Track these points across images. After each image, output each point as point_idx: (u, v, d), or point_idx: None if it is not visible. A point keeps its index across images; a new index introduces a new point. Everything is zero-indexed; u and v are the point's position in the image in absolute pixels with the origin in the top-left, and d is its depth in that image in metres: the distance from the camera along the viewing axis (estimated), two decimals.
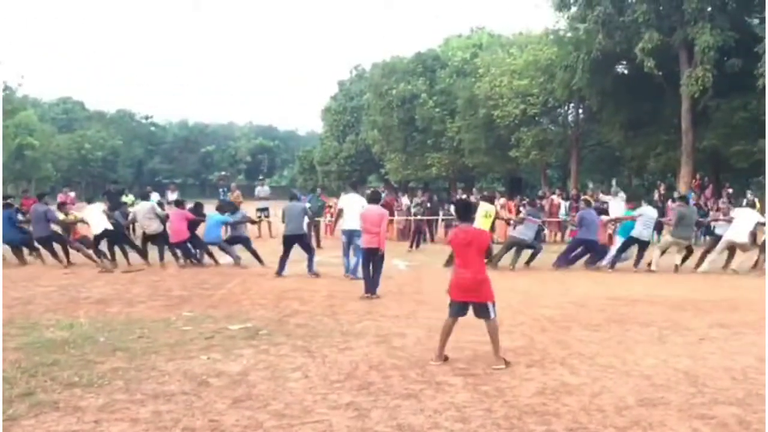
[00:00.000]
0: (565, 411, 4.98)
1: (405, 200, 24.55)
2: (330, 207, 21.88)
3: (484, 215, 13.74)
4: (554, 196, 23.69)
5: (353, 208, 12.16)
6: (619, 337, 7.52)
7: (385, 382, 5.68)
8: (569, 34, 30.26)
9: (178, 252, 14.02)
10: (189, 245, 14.16)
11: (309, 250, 12.88)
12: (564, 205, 22.80)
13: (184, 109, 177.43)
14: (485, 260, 6.58)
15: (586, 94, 29.86)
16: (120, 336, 7.28)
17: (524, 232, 14.24)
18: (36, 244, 14.00)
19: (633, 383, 5.68)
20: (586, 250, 14.13)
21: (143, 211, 14.14)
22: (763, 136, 23.94)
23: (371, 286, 10.27)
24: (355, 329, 7.85)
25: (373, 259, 10.35)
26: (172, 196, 21.43)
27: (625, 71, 30.25)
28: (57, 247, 13.92)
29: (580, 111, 35.13)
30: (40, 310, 8.83)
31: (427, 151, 41.70)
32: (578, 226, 14.54)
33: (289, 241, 12.74)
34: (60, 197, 21.60)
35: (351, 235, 12.22)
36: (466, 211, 7.00)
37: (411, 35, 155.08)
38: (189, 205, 15.50)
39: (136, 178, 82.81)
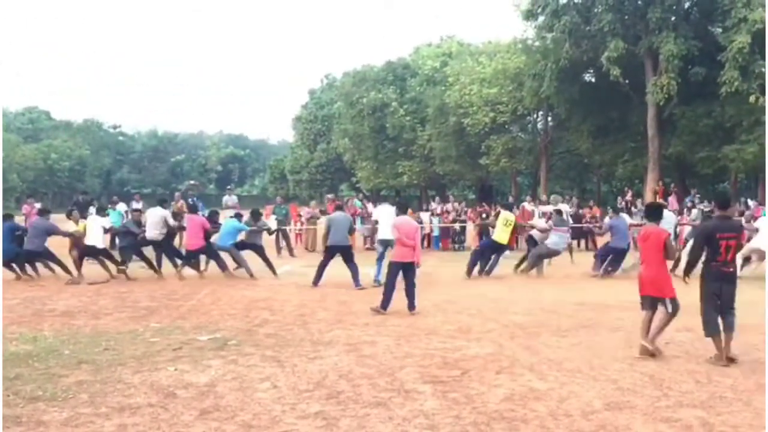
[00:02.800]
0: (533, 417, 5.01)
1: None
2: (300, 216, 21.81)
3: (504, 223, 13.80)
4: (526, 204, 23.81)
5: (388, 220, 12.21)
6: (587, 343, 7.59)
7: (354, 390, 5.67)
8: (537, 43, 30.70)
9: (178, 261, 13.64)
10: (202, 254, 13.75)
11: (353, 263, 12.65)
12: (536, 212, 22.93)
13: (153, 119, 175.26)
14: (668, 259, 7.19)
15: (555, 102, 30.29)
16: (85, 348, 7.17)
17: (557, 242, 14.15)
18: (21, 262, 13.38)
19: (600, 388, 5.74)
20: (615, 259, 13.93)
21: (155, 218, 13.75)
22: (727, 143, 24.47)
23: (409, 300, 9.67)
24: (325, 338, 7.82)
25: (407, 273, 9.73)
26: (138, 206, 21.20)
27: (592, 79, 30.76)
28: (52, 264, 13.48)
29: (549, 119, 35.57)
30: (3, 323, 8.65)
31: (398, 160, 41.85)
32: (610, 234, 14.30)
33: (333, 252, 12.63)
34: (25, 208, 21.22)
35: (387, 245, 12.36)
36: (655, 213, 7.50)
37: (381, 44, 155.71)
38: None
39: (104, 188, 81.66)
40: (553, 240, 14.16)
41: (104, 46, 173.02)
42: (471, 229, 21.72)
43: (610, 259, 13.90)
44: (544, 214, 17.72)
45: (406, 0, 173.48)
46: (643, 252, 7.22)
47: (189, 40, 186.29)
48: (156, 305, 10.21)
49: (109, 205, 21.71)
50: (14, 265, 13.26)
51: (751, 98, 22.44)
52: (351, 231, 13.68)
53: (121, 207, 21.51)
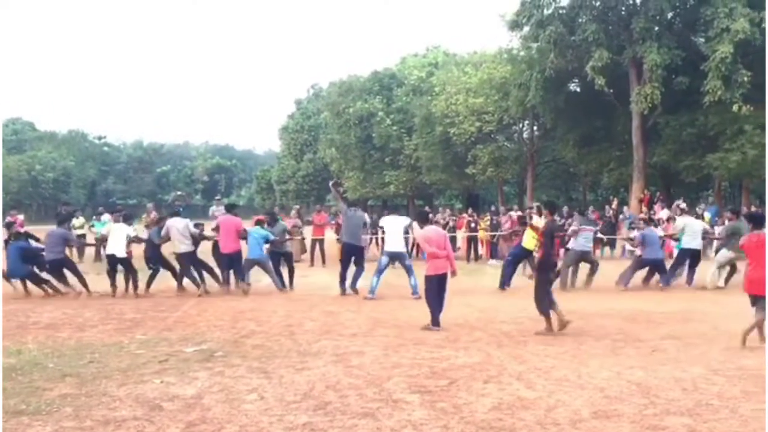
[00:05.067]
0: (521, 425, 5.00)
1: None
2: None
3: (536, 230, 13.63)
4: (512, 212, 23.86)
5: (397, 230, 12.29)
6: (573, 351, 7.60)
7: (341, 401, 5.64)
8: (522, 53, 30.93)
9: (196, 276, 13.02)
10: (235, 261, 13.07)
11: (361, 265, 12.72)
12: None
13: (138, 129, 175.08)
14: None
15: (540, 111, 30.51)
16: (70, 361, 7.10)
17: (584, 244, 13.73)
18: (44, 275, 13.08)
19: (587, 396, 5.75)
20: (653, 270, 13.73)
21: (178, 228, 13.04)
22: (711, 152, 24.69)
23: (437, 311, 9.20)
24: (313, 349, 7.79)
25: (442, 286, 9.24)
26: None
27: (578, 89, 30.97)
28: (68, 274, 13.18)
29: (535, 128, 35.76)
30: None
31: (384, 169, 41.90)
32: (641, 246, 13.91)
33: (348, 250, 12.67)
34: (7, 219, 21.06)
35: (395, 257, 12.34)
36: (760, 221, 8.30)
37: (368, 54, 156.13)
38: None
39: (89, 199, 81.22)
40: (579, 242, 13.72)
41: (89, 56, 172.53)
42: (460, 238, 21.79)
43: (650, 270, 13.68)
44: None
45: (392, 10, 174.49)
46: (753, 255, 7.97)
47: (174, 50, 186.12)
48: (141, 317, 10.14)
49: (94, 217, 21.61)
50: (28, 282, 12.98)
51: (734, 107, 22.67)
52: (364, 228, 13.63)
53: (106, 218, 21.39)
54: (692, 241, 13.73)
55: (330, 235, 20.77)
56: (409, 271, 12.37)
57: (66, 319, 9.96)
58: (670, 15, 26.23)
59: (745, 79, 22.52)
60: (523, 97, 29.45)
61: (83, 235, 21.20)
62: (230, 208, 14.22)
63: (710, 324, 9.28)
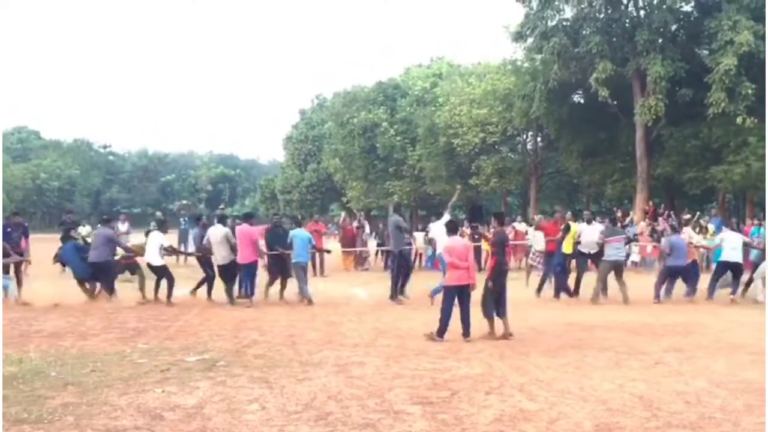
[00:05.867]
0: None
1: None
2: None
3: (572, 235, 13.63)
4: (516, 223, 23.84)
5: (443, 234, 12.40)
6: (576, 363, 7.58)
7: (343, 412, 5.63)
8: (526, 65, 30.98)
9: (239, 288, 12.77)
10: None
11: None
12: (530, 231, 22.90)
13: (143, 138, 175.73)
14: None
15: (544, 122, 30.50)
16: (72, 370, 7.10)
17: (616, 254, 13.37)
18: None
19: (589, 408, 5.73)
20: (680, 277, 13.51)
21: (218, 238, 12.82)
22: (715, 164, 24.65)
23: (464, 326, 9.13)
24: (314, 359, 7.78)
25: (462, 297, 9.17)
26: (123, 227, 21.09)
27: (581, 100, 30.98)
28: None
29: (539, 139, 35.76)
30: None
31: (388, 179, 41.92)
32: (668, 253, 13.65)
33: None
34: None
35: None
36: None
37: (372, 64, 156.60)
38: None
39: (94, 208, 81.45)
40: (609, 252, 13.30)
41: (95, 65, 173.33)
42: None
43: (671, 279, 13.51)
44: None
45: (397, 21, 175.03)
46: None
47: (180, 60, 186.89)
48: (144, 326, 10.14)
49: (99, 225, 21.61)
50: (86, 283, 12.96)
51: (738, 119, 22.64)
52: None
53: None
54: (731, 253, 13.36)
55: (331, 245, 20.78)
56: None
57: (69, 328, 9.97)
58: (673, 27, 26.25)
59: (749, 91, 22.50)
60: (526, 108, 29.47)
61: (88, 244, 21.22)
62: (248, 218, 13.91)
63: (712, 337, 9.26)
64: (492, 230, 10.12)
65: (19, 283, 13.28)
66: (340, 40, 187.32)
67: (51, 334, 9.43)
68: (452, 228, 9.92)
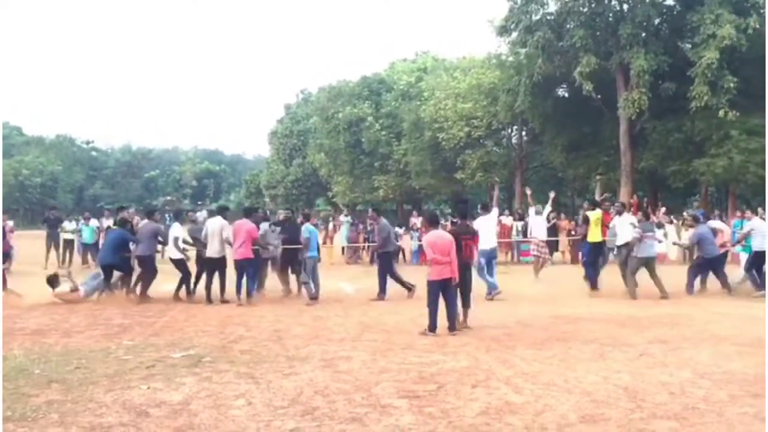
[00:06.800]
0: (509, 430, 5.00)
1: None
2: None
3: (595, 223, 13.49)
4: (503, 217, 23.90)
5: (490, 229, 12.68)
6: (561, 355, 7.61)
7: (329, 406, 5.62)
8: (511, 59, 31.09)
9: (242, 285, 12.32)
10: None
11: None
12: (515, 225, 23.04)
13: (127, 134, 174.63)
14: None
15: (529, 116, 30.63)
16: (56, 367, 7.04)
17: (648, 250, 13.05)
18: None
19: (574, 400, 5.76)
20: (713, 269, 13.41)
21: (215, 229, 12.53)
22: (698, 157, 24.85)
23: (450, 321, 9.17)
24: (301, 354, 7.77)
25: (446, 291, 9.16)
26: (107, 222, 21.00)
27: (566, 94, 31.14)
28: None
29: (524, 133, 35.92)
30: None
31: (374, 174, 41.95)
32: (697, 246, 13.52)
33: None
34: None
35: (489, 257, 12.63)
36: None
37: (357, 59, 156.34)
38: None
39: (77, 204, 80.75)
40: (644, 248, 12.97)
41: (78, 60, 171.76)
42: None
43: (703, 271, 13.34)
44: None
45: (381, 16, 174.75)
46: None
47: (164, 55, 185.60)
48: (129, 322, 10.08)
49: (82, 221, 21.53)
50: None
51: (720, 113, 22.86)
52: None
53: (93, 223, 21.34)
54: (763, 242, 13.15)
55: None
56: (491, 271, 12.86)
57: (53, 325, 9.89)
58: (657, 21, 26.43)
59: (731, 85, 22.71)
60: (511, 102, 29.58)
61: (72, 240, 21.13)
62: (248, 213, 13.20)
63: (697, 328, 9.33)
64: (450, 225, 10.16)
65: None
66: (325, 35, 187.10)
67: (35, 331, 9.35)
68: (434, 221, 9.75)
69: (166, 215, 25.45)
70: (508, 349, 7.97)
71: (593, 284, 13.41)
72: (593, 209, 13.97)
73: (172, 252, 12.99)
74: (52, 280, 12.43)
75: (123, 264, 12.79)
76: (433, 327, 8.99)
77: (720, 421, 5.19)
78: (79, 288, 12.41)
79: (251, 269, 12.40)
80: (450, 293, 9.20)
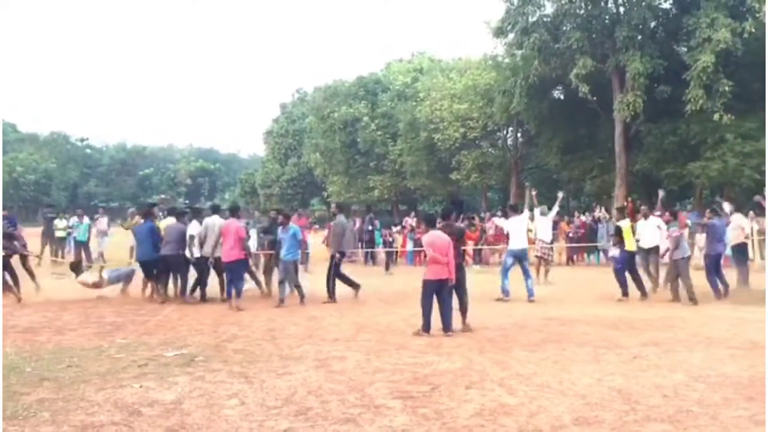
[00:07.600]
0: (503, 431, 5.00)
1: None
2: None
3: (626, 233, 13.35)
4: (496, 218, 23.83)
5: (520, 229, 12.88)
6: (555, 357, 7.61)
7: (323, 406, 5.60)
8: (507, 60, 31.03)
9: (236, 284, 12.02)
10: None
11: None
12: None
13: (121, 131, 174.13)
14: None
15: (525, 118, 30.61)
16: (48, 365, 7.01)
17: (687, 250, 12.90)
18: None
19: (568, 402, 5.75)
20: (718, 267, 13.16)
21: (215, 229, 12.28)
22: (692, 160, 24.89)
23: (444, 321, 9.19)
24: (295, 353, 7.75)
25: (441, 291, 9.18)
26: (103, 219, 20.98)
27: (561, 96, 31.14)
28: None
29: (519, 135, 35.89)
30: None
31: (369, 174, 41.90)
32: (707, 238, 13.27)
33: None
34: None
35: (517, 256, 12.79)
36: None
37: (353, 59, 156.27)
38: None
39: (71, 201, 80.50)
40: (683, 252, 12.68)
41: (73, 57, 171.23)
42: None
43: (717, 271, 13.06)
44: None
45: (378, 16, 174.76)
46: None
47: (159, 53, 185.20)
48: (122, 321, 10.04)
49: (75, 219, 21.49)
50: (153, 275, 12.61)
51: (715, 116, 22.87)
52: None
53: (87, 221, 21.29)
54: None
55: (312, 240, 20.73)
56: (527, 273, 12.88)
57: (45, 323, 9.85)
58: (652, 24, 26.43)
59: (727, 88, 22.72)
60: (507, 103, 29.55)
61: (65, 238, 21.14)
62: (234, 212, 12.74)
63: (691, 331, 9.34)
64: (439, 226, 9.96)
65: (14, 278, 12.77)
66: (321, 35, 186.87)
67: (26, 329, 9.31)
68: (430, 222, 9.75)
69: (160, 213, 25.31)
70: (502, 351, 7.96)
71: (625, 291, 13.08)
72: (622, 218, 13.96)
73: (192, 251, 12.56)
74: (76, 267, 12.51)
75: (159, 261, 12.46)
76: (427, 327, 8.98)
77: (714, 424, 5.19)
78: (103, 276, 12.64)
79: (241, 271, 12.19)
80: (445, 294, 9.20)
